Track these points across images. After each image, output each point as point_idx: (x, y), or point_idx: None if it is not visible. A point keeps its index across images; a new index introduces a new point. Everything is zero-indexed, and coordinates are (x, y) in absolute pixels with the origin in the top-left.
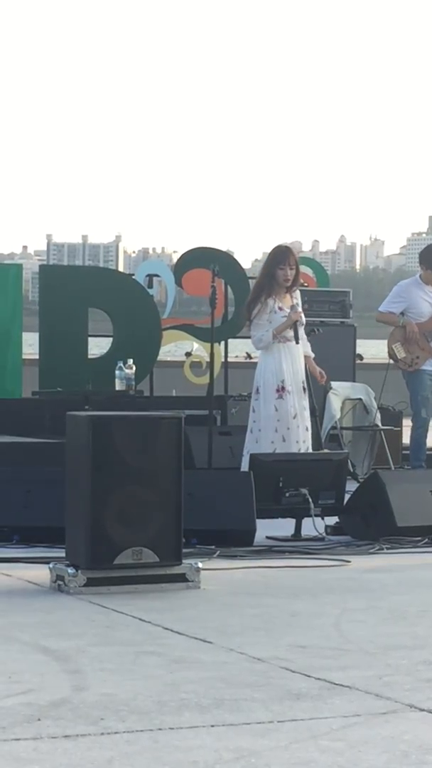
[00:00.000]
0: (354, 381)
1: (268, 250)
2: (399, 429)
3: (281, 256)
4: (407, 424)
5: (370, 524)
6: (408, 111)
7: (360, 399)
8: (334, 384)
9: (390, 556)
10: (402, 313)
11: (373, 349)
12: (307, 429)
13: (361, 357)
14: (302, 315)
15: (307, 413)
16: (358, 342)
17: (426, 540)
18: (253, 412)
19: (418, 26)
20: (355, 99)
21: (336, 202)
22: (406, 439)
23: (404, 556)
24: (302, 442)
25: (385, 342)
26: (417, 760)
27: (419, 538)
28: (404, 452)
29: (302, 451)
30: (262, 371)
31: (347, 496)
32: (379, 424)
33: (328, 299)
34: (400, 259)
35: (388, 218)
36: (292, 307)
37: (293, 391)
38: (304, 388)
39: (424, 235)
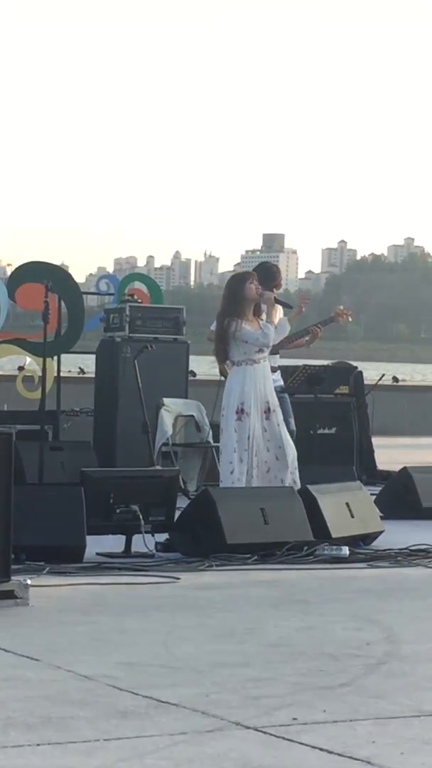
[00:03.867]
0: (186, 398)
1: (102, 264)
2: None
3: (244, 275)
4: None
5: (200, 541)
6: (235, 132)
7: (192, 416)
8: (166, 401)
9: (219, 573)
10: None
11: (205, 366)
12: (268, 450)
13: (194, 373)
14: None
15: (268, 434)
16: (191, 358)
17: (255, 557)
18: (221, 432)
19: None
20: (193, 119)
21: (171, 217)
22: None
23: (234, 573)
24: (260, 463)
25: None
26: None
27: (249, 556)
28: None
29: (254, 474)
30: (226, 395)
31: (178, 513)
32: (211, 441)
33: (162, 316)
34: None
35: (223, 235)
36: (261, 293)
37: (252, 413)
38: (269, 409)
39: (258, 252)
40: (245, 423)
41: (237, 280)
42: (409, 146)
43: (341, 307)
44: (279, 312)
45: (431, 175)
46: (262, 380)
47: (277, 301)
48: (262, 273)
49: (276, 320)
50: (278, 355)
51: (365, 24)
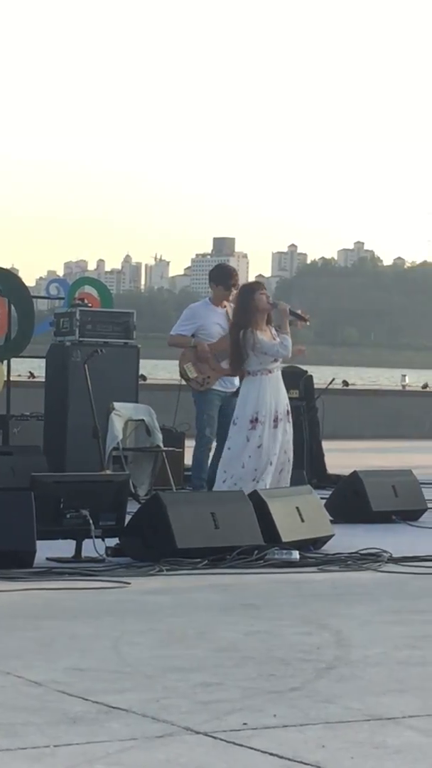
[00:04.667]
0: (137, 402)
1: (52, 267)
2: (181, 450)
3: (253, 285)
4: (189, 444)
5: (150, 546)
6: (185, 136)
7: (143, 420)
8: (116, 405)
9: (170, 577)
10: (193, 335)
11: (162, 371)
12: (271, 463)
13: (144, 377)
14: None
15: (278, 445)
16: (142, 362)
17: (206, 562)
18: (229, 440)
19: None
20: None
21: (121, 221)
22: (188, 460)
23: (184, 578)
24: (263, 469)
25: (168, 362)
26: None
27: (199, 560)
28: (186, 473)
29: (262, 482)
30: (240, 404)
31: (128, 518)
32: (162, 445)
33: (112, 320)
34: (184, 280)
35: (173, 239)
36: (275, 303)
37: (265, 422)
38: (278, 419)
39: (208, 256)
40: (257, 431)
41: (247, 291)
42: (359, 151)
43: (302, 311)
44: None
45: (381, 180)
46: (276, 389)
47: (291, 313)
48: (219, 274)
49: (287, 332)
50: None
51: (314, 27)
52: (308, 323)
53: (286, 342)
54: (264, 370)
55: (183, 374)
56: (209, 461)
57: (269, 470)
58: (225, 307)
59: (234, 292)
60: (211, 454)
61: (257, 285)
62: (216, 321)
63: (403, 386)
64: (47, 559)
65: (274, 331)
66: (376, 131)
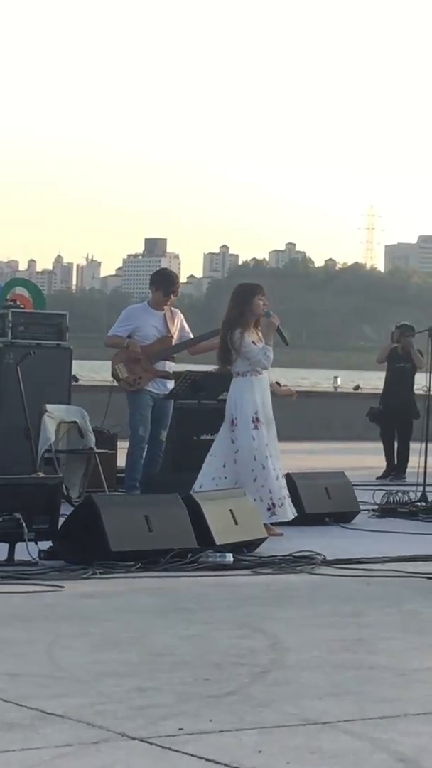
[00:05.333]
0: (69, 404)
1: None
2: (114, 452)
3: (254, 288)
4: (122, 446)
5: (84, 549)
6: (116, 134)
7: (75, 422)
8: (49, 407)
9: (103, 581)
10: (129, 336)
11: (94, 372)
12: (277, 458)
13: (76, 379)
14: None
15: (275, 443)
16: (74, 363)
17: (140, 565)
18: (231, 443)
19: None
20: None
21: (52, 220)
22: (120, 462)
23: (118, 581)
24: (280, 468)
25: (101, 363)
26: None
27: (133, 563)
28: (119, 475)
29: (277, 478)
30: (237, 404)
31: (61, 520)
32: (94, 447)
33: (44, 321)
34: (116, 280)
35: (105, 239)
36: (268, 313)
37: (264, 422)
38: (268, 419)
39: (140, 257)
40: (261, 431)
41: (246, 292)
42: (290, 152)
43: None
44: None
45: (311, 182)
46: (266, 390)
47: (278, 329)
48: (162, 279)
49: (270, 343)
50: (173, 362)
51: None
52: (287, 345)
53: (269, 353)
54: (254, 371)
55: (114, 374)
56: (142, 462)
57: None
58: (164, 310)
59: (173, 298)
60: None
61: (258, 289)
62: (152, 323)
63: (335, 388)
64: None
65: (260, 334)
66: (305, 134)
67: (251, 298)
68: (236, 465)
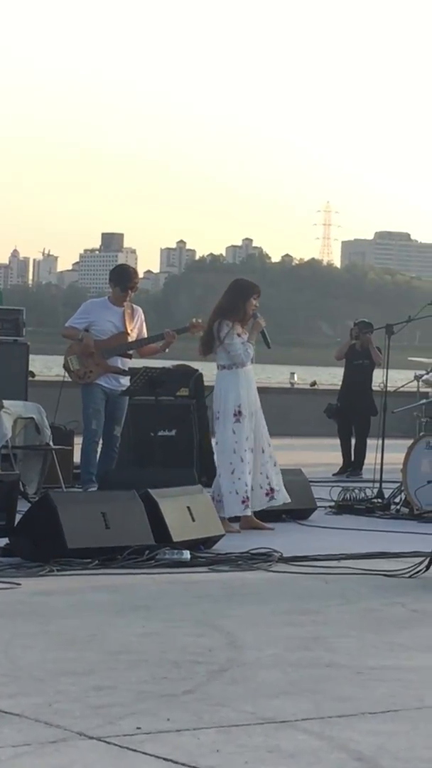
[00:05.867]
0: (26, 399)
1: None
2: (71, 448)
3: (254, 287)
4: (78, 442)
5: (40, 545)
6: (71, 129)
7: (32, 418)
8: (6, 402)
9: (60, 578)
10: (86, 330)
11: (49, 368)
12: (263, 450)
13: (33, 374)
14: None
15: (260, 433)
16: (31, 358)
17: (97, 562)
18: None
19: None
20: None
21: (8, 214)
22: (77, 458)
23: (75, 578)
24: (257, 462)
25: (58, 358)
26: None
27: (90, 560)
28: (76, 471)
29: (258, 471)
30: (221, 398)
31: (18, 517)
32: (51, 443)
33: (1, 317)
34: (72, 275)
35: (61, 234)
36: (255, 315)
37: (247, 415)
38: (256, 411)
39: (97, 252)
40: (243, 424)
41: (244, 289)
42: (246, 146)
43: (198, 320)
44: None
45: (268, 178)
46: (251, 383)
47: (262, 332)
48: (120, 274)
49: (252, 342)
50: (129, 359)
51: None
52: (269, 348)
53: (250, 350)
54: (239, 364)
55: (66, 365)
56: (97, 456)
57: (263, 459)
58: (124, 307)
59: (131, 294)
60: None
61: (256, 289)
62: (110, 319)
63: (292, 384)
64: None
65: (246, 342)
66: (261, 129)
67: (248, 296)
68: (216, 456)
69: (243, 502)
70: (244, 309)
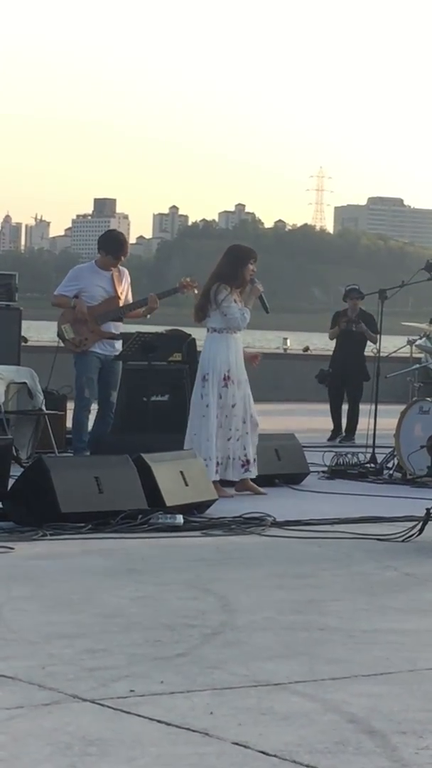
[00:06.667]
0: (19, 364)
1: None
2: (63, 413)
3: (251, 252)
4: (71, 407)
5: (33, 510)
6: (66, 96)
7: (25, 383)
8: None
9: (54, 542)
10: (76, 296)
11: (41, 333)
12: (244, 421)
13: (25, 339)
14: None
15: (245, 403)
16: (24, 324)
17: (90, 526)
18: (201, 399)
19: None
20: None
21: (1, 180)
22: (70, 423)
23: (68, 542)
24: (235, 430)
25: (50, 323)
26: (80, 752)
27: (83, 525)
28: (68, 436)
29: (236, 439)
30: (210, 360)
31: (11, 481)
32: (44, 408)
33: None
34: (65, 240)
35: (54, 199)
36: (253, 281)
37: (235, 382)
38: (244, 379)
39: (89, 217)
40: (229, 389)
41: (242, 254)
42: (239, 113)
43: (187, 279)
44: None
45: (261, 143)
46: (240, 351)
47: (260, 298)
48: (110, 241)
49: (249, 307)
50: (121, 323)
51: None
52: (268, 313)
53: (247, 314)
54: (230, 329)
55: (60, 334)
56: (90, 423)
57: (245, 429)
58: (112, 270)
59: (123, 260)
60: (92, 416)
61: (253, 254)
62: (99, 284)
63: (285, 349)
64: None
65: (243, 306)
66: (255, 96)
67: (246, 262)
68: (204, 419)
69: (218, 464)
70: (242, 275)
